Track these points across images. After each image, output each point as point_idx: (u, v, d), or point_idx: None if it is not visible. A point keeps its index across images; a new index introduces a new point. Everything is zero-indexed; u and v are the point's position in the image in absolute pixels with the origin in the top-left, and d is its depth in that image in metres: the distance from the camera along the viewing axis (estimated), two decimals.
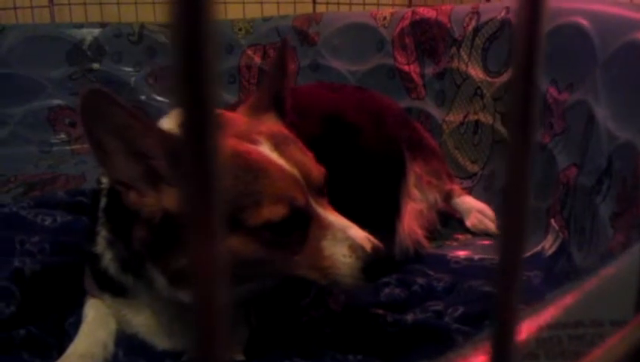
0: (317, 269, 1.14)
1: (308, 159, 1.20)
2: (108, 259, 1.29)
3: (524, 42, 0.24)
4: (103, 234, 1.29)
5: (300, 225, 1.13)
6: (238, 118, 1.24)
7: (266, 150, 1.14)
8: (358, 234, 1.14)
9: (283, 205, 1.09)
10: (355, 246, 1.12)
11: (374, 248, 1.13)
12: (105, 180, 1.30)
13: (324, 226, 1.14)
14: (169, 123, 1.32)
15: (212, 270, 0.22)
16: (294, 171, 1.14)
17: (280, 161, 1.13)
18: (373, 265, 1.12)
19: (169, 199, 1.10)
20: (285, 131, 1.25)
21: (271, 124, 1.26)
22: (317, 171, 1.19)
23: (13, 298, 1.35)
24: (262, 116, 1.27)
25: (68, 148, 2.94)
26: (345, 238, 1.13)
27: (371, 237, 1.15)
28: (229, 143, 1.13)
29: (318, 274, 1.14)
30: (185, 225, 0.21)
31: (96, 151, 1.07)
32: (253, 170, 1.10)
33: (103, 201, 1.29)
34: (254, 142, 1.14)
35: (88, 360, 1.27)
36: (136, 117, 1.07)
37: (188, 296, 1.15)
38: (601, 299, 0.49)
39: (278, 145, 1.16)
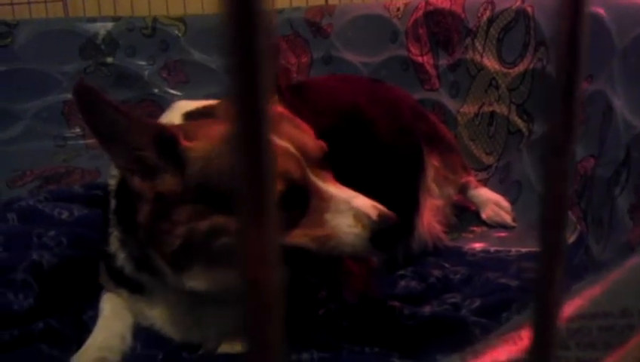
0: (320, 241, 1.11)
1: (303, 134, 1.18)
2: (122, 258, 1.31)
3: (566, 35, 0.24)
4: (115, 234, 1.31)
5: (299, 200, 1.11)
6: (230, 104, 1.24)
7: None
8: (363, 203, 1.10)
9: (278, 180, 1.07)
10: (360, 216, 1.08)
11: (381, 215, 1.09)
12: (113, 182, 1.32)
13: (326, 199, 1.11)
14: (172, 115, 1.33)
15: (264, 255, 0.22)
16: (288, 146, 1.12)
17: (272, 138, 1.12)
18: (381, 233, 1.08)
19: (163, 183, 1.13)
20: (280, 110, 1.24)
21: None
22: (313, 145, 1.17)
23: (31, 291, 1.36)
24: None
25: (82, 142, 2.95)
26: (348, 209, 1.09)
27: (378, 205, 1.11)
28: (221, 128, 1.14)
29: (320, 245, 1.11)
30: (237, 209, 0.21)
31: (97, 139, 1.11)
32: None
33: (113, 203, 1.31)
34: None
35: (106, 352, 1.28)
36: (120, 112, 1.10)
37: (191, 281, 1.18)
38: (629, 290, 0.48)
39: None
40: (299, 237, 1.11)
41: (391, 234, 1.11)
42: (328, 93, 1.82)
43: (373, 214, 1.09)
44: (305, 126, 1.22)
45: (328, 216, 1.10)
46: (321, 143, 1.19)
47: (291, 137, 1.14)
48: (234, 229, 1.09)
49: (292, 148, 1.13)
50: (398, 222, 1.10)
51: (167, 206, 1.13)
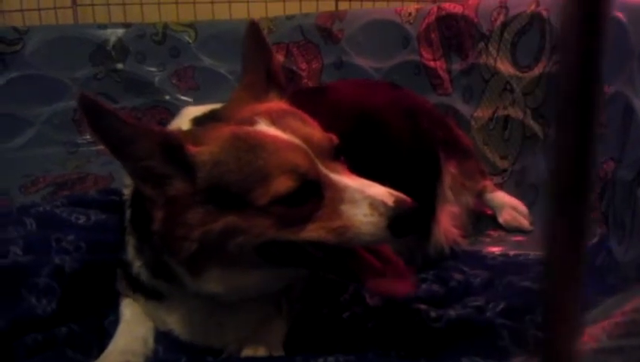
0: (337, 233, 1.09)
1: (309, 127, 1.17)
2: (138, 266, 1.31)
3: None
4: (131, 243, 1.32)
5: (313, 193, 1.10)
6: (235, 107, 1.25)
7: (263, 128, 1.13)
8: (378, 190, 1.09)
9: (289, 176, 1.07)
10: (376, 204, 1.07)
11: (398, 201, 1.07)
12: (127, 192, 1.33)
13: (340, 190, 1.10)
14: (180, 122, 1.33)
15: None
16: (295, 140, 1.12)
17: (278, 134, 1.12)
18: (399, 219, 1.06)
19: (173, 189, 1.12)
20: (285, 106, 1.24)
21: (271, 103, 1.26)
22: (321, 137, 1.16)
23: (54, 295, 1.36)
24: (262, 98, 1.27)
25: (94, 148, 2.94)
26: (364, 198, 1.08)
27: (394, 191, 1.09)
28: (227, 130, 1.14)
29: (338, 237, 1.09)
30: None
31: (108, 149, 1.12)
32: (253, 147, 1.09)
33: (128, 212, 1.32)
34: (252, 123, 1.14)
35: (129, 356, 1.27)
36: (125, 122, 1.10)
37: (209, 284, 1.18)
38: None
39: (276, 120, 1.15)
40: (316, 230, 1.10)
41: (409, 220, 1.08)
42: (347, 97, 1.81)
43: (389, 201, 1.07)
44: (311, 120, 1.21)
45: (344, 207, 1.09)
46: (330, 135, 1.18)
47: (297, 131, 1.14)
48: (247, 228, 1.10)
49: (298, 142, 1.12)
50: (415, 207, 1.09)
51: (179, 210, 1.12)
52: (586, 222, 0.23)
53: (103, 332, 1.38)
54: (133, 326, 1.35)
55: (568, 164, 0.21)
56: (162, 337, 1.34)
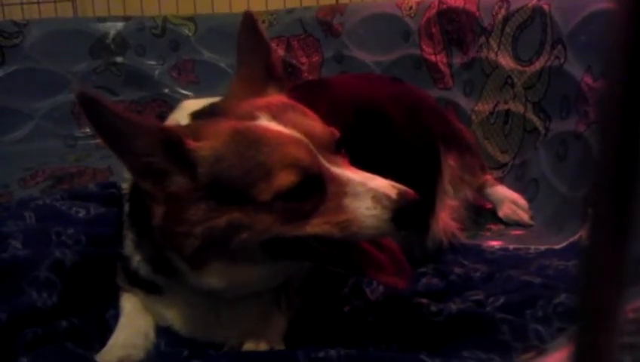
0: (341, 227, 1.09)
1: (310, 121, 1.16)
2: (137, 261, 1.30)
3: None
4: (130, 237, 1.31)
5: (316, 188, 1.09)
6: (235, 101, 1.24)
7: (264, 122, 1.12)
8: (380, 183, 1.08)
9: (291, 170, 1.07)
10: (379, 197, 1.06)
11: (401, 194, 1.07)
12: (126, 185, 1.33)
13: (342, 183, 1.09)
14: (178, 115, 1.32)
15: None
16: (296, 134, 1.11)
17: (279, 128, 1.11)
18: (402, 212, 1.06)
19: (173, 185, 1.12)
20: (285, 100, 1.23)
21: (270, 96, 1.25)
22: (322, 130, 1.15)
23: (55, 289, 1.36)
24: (261, 92, 1.26)
25: (93, 142, 2.94)
26: (366, 191, 1.07)
27: (396, 184, 1.09)
28: (228, 125, 1.13)
29: (342, 231, 1.09)
30: None
31: (108, 146, 1.11)
32: (254, 142, 1.08)
33: (127, 206, 1.32)
34: (253, 118, 1.13)
35: (130, 349, 1.27)
36: (124, 119, 1.09)
37: (211, 279, 1.17)
38: None
39: (277, 114, 1.13)
40: (320, 225, 1.10)
41: (413, 212, 1.08)
42: (347, 91, 1.81)
43: (392, 193, 1.07)
44: (312, 113, 1.20)
45: (347, 201, 1.08)
46: (332, 129, 1.18)
47: (298, 125, 1.13)
48: (250, 223, 1.09)
49: (300, 136, 1.11)
50: (418, 199, 1.08)
51: (181, 206, 1.12)
52: (632, 218, 0.23)
53: (104, 325, 1.38)
54: (134, 320, 1.35)
55: (613, 161, 0.21)
56: (163, 331, 1.34)
